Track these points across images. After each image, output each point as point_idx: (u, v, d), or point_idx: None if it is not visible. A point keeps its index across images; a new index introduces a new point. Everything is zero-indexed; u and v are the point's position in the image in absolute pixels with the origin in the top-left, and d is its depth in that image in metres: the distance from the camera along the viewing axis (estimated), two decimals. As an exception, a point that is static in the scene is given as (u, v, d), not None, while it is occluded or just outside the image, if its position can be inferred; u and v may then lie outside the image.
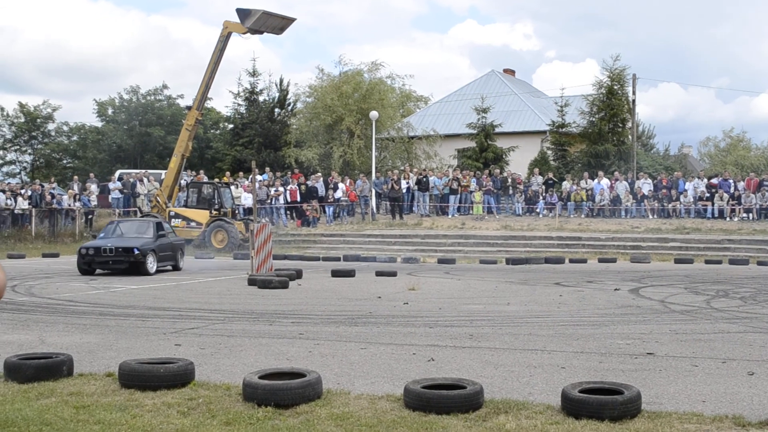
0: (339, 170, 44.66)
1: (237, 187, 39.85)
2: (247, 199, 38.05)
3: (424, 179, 40.25)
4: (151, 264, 23.47)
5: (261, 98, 55.58)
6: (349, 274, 22.84)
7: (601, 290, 18.83)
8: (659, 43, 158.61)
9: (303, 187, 40.00)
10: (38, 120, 64.88)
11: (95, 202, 40.83)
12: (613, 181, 38.70)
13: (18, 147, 66.17)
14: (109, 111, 65.35)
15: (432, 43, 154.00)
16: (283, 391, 7.29)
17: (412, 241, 35.77)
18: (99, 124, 65.32)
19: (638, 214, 37.61)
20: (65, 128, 67.21)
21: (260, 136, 51.91)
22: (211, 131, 64.11)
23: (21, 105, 64.91)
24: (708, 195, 36.76)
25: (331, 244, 36.12)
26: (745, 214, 35.82)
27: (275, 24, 35.15)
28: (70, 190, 40.93)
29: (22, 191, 40.10)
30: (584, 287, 19.56)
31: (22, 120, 64.68)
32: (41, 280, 21.14)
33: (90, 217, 39.70)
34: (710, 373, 8.91)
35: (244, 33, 34.93)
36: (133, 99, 64.56)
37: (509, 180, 40.30)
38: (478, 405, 7.17)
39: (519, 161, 47.27)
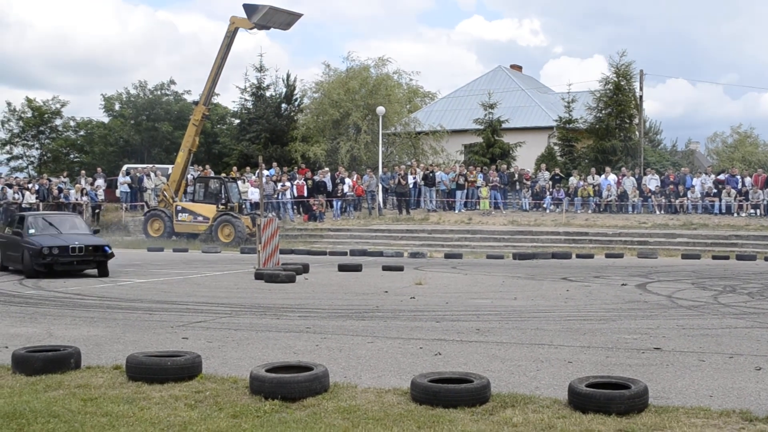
0: (346, 165, 44.68)
1: (244, 182, 39.87)
2: (253, 194, 38.07)
3: (431, 174, 40.21)
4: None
5: (268, 93, 55.62)
6: (356, 268, 22.84)
7: (608, 285, 18.80)
8: (667, 39, 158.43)
9: (310, 182, 40.04)
10: (46, 115, 64.98)
11: (102, 197, 40.92)
12: (620, 177, 38.61)
13: (25, 142, 66.29)
14: (116, 106, 65.39)
15: (439, 38, 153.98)
16: (290, 384, 7.30)
17: (419, 236, 35.77)
18: (106, 119, 65.42)
19: (645, 210, 37.54)
20: (72, 123, 67.32)
21: (267, 131, 51.93)
22: (218, 126, 64.13)
23: (29, 100, 65.09)
24: (715, 191, 36.67)
25: (337, 239, 36.14)
26: (752, 210, 35.69)
27: (282, 19, 35.19)
28: (77, 185, 41.03)
29: (30, 185, 40.23)
30: (591, 282, 19.54)
31: (30, 115, 64.80)
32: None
33: (97, 211, 39.79)
34: (717, 368, 8.89)
35: (251, 28, 35.01)
36: (140, 94, 64.62)
37: (516, 175, 40.24)
38: (485, 399, 7.17)
39: (526, 157, 47.20)
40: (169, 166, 41.88)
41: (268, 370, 7.62)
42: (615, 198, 37.93)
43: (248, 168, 43.36)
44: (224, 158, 57.05)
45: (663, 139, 76.13)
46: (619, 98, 45.81)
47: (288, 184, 39.72)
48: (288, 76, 57.31)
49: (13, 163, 66.30)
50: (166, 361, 8.10)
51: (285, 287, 18.20)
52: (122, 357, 8.77)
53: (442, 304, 15.07)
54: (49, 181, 41.78)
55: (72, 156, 67.68)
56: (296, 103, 56.16)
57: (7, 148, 66.02)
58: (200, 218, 35.33)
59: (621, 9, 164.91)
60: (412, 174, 40.54)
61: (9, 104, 65.49)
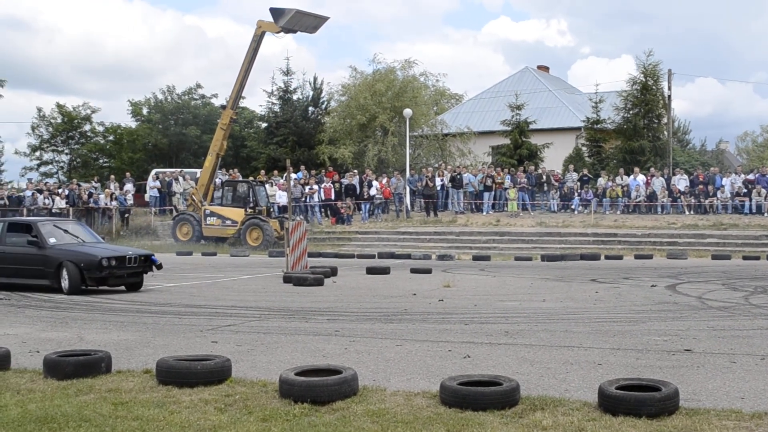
0: (373, 168, 44.71)
1: (272, 186, 39.98)
2: (282, 197, 38.18)
3: (459, 176, 40.15)
4: None
5: (295, 97, 55.82)
6: (384, 271, 22.85)
7: (638, 287, 18.69)
8: (696, 37, 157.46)
9: (337, 184, 40.11)
10: (75, 121, 65.51)
11: (131, 201, 41.19)
12: (648, 178, 38.36)
13: (54, 147, 66.86)
14: (144, 111, 65.78)
15: (465, 39, 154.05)
16: (319, 387, 7.30)
17: (447, 238, 35.73)
18: (133, 125, 65.88)
19: (674, 211, 37.28)
20: (100, 128, 67.84)
21: (294, 134, 52.15)
22: (246, 130, 64.36)
23: (59, 106, 65.65)
24: (745, 191, 36.35)
25: (365, 242, 36.17)
26: (783, 209, 35.39)
27: (308, 23, 35.31)
28: (106, 189, 41.33)
29: (60, 191, 40.57)
30: (620, 284, 19.43)
31: (59, 120, 65.34)
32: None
33: (126, 216, 40.06)
34: (749, 370, 8.81)
35: (278, 32, 35.15)
36: (168, 98, 64.93)
37: (544, 177, 40.09)
38: (515, 402, 7.15)
39: (553, 158, 47.09)
40: (198, 170, 42.09)
41: (297, 374, 7.64)
42: (644, 198, 37.70)
43: (276, 171, 43.55)
44: (252, 162, 57.27)
45: (692, 139, 75.64)
46: (647, 98, 45.61)
47: (316, 187, 39.81)
48: (315, 79, 57.60)
49: (42, 169, 66.96)
50: (196, 365, 8.13)
51: (313, 290, 18.24)
52: (152, 361, 8.81)
53: (471, 306, 15.05)
54: (79, 186, 42.11)
55: (101, 161, 68.18)
56: (323, 106, 56.31)
57: (37, 153, 66.66)
58: (228, 222, 35.47)
59: (649, 8, 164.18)
60: (439, 176, 40.50)
61: (39, 110, 66.13)
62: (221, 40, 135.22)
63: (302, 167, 43.18)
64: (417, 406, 7.19)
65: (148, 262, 18.54)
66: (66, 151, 67.33)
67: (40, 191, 40.03)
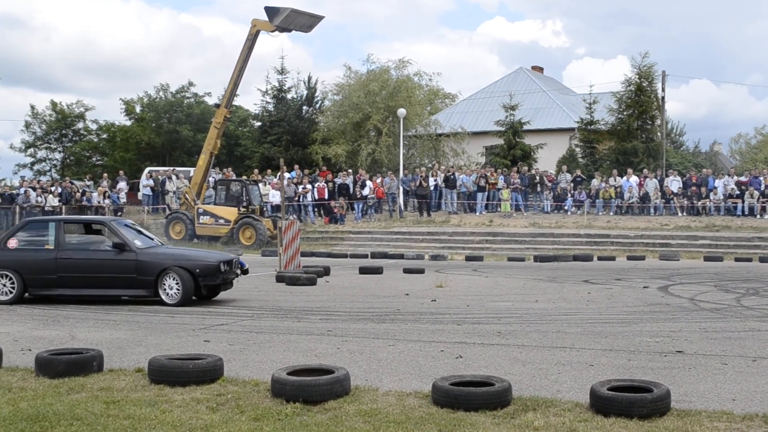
0: (366, 168, 44.69)
1: (265, 185, 39.93)
2: (275, 197, 38.14)
3: (452, 176, 40.16)
4: None
5: (289, 96, 55.77)
6: (377, 271, 22.84)
7: (630, 288, 18.72)
8: (691, 39, 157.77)
9: (331, 184, 40.09)
10: (69, 119, 65.39)
11: (124, 200, 41.11)
12: (642, 179, 38.42)
13: (48, 145, 66.73)
14: (137, 109, 65.63)
15: (460, 40, 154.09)
16: (311, 387, 7.31)
17: (440, 238, 35.73)
18: (127, 123, 65.70)
19: (667, 212, 37.35)
20: (93, 126, 67.74)
21: (288, 133, 52.08)
22: (240, 129, 64.28)
23: (53, 104, 65.54)
24: (738, 192, 36.43)
25: (358, 242, 36.15)
26: (775, 212, 35.49)
27: (303, 22, 35.24)
28: (99, 188, 41.24)
29: (53, 188, 40.49)
30: (613, 285, 19.45)
31: (53, 118, 65.22)
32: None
33: (119, 214, 39.95)
34: (740, 372, 8.83)
35: (273, 31, 35.05)
36: (161, 97, 64.77)
37: (537, 177, 40.13)
38: (507, 402, 7.16)
39: (547, 159, 47.10)
40: (191, 169, 41.99)
41: (289, 373, 7.65)
42: (637, 200, 37.75)
43: (269, 170, 43.44)
44: (245, 161, 57.24)
45: (686, 141, 75.82)
46: (641, 99, 45.62)
47: (309, 186, 39.78)
48: (309, 78, 57.53)
49: (36, 166, 66.84)
50: (188, 364, 8.13)
51: (306, 290, 18.23)
52: (144, 360, 8.81)
53: (463, 306, 15.06)
54: (72, 183, 42.03)
55: (94, 159, 68.06)
56: (317, 105, 56.28)
57: (31, 151, 66.51)
58: (221, 221, 35.40)
59: (644, 9, 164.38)
60: (433, 176, 40.52)
61: (33, 107, 66.06)
62: (217, 39, 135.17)
63: (296, 166, 43.12)
64: (409, 406, 7.19)
65: (239, 269, 16.67)
66: (59, 149, 67.22)
67: (33, 189, 39.94)
